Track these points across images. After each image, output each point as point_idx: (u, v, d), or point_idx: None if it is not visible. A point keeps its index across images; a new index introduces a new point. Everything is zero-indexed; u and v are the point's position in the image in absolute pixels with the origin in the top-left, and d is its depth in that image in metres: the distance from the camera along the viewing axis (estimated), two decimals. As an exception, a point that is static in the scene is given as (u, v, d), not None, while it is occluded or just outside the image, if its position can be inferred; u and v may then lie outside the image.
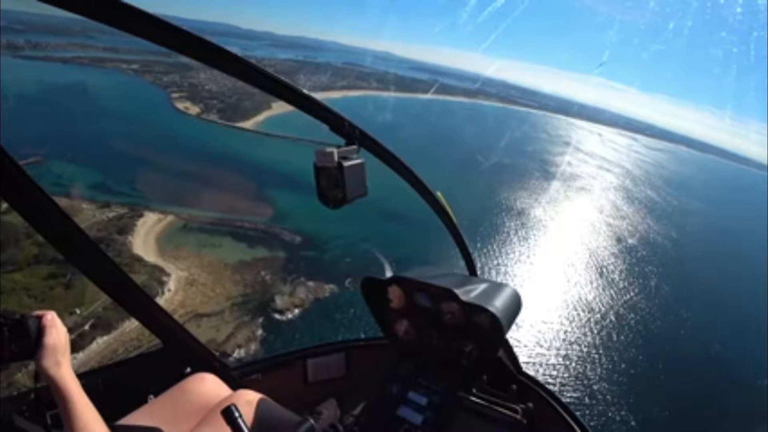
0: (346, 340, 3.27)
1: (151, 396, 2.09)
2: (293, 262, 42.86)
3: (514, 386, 2.32)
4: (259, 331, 33.75)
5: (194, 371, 2.24)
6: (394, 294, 2.67)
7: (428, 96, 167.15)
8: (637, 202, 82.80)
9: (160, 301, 35.30)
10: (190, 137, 71.88)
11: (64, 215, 1.69)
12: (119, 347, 31.16)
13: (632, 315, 42.88)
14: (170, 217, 48.09)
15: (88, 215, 46.01)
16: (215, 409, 1.89)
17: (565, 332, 38.54)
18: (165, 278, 37.63)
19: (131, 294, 2.01)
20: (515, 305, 2.39)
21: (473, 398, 2.21)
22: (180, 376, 2.18)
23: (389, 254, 44.79)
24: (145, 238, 43.88)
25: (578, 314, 41.71)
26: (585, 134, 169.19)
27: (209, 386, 2.09)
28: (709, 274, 56.24)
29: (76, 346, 30.26)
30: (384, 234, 48.10)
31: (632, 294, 47.17)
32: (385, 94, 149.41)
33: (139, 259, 39.54)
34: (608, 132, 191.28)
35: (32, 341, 1.40)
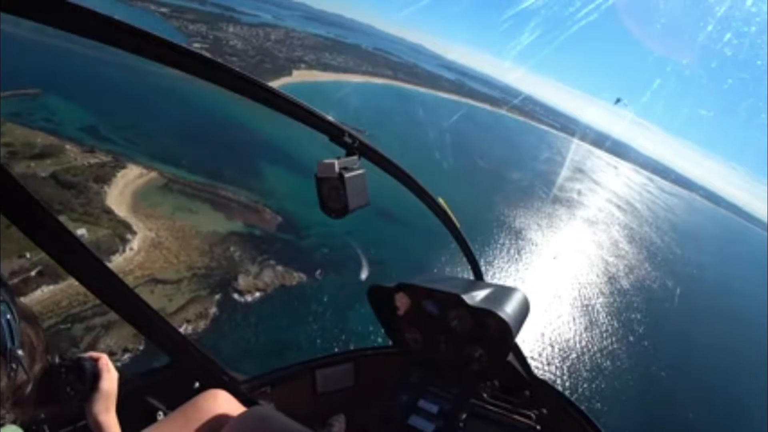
0: (355, 350, 3.19)
1: (161, 413, 2.10)
2: (267, 243, 41.00)
3: (527, 392, 2.34)
4: (213, 309, 32.00)
5: (203, 386, 2.20)
6: (401, 301, 2.56)
7: (451, 96, 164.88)
8: (638, 244, 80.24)
9: (118, 258, 33.69)
10: (195, 94, 69.70)
11: (63, 228, 1.53)
12: (64, 299, 29.54)
13: (608, 363, 40.74)
14: (153, 174, 46.33)
15: (69, 157, 44.33)
16: (228, 427, 1.88)
17: (534, 369, 36.51)
18: (129, 236, 35.88)
19: (137, 308, 1.90)
20: (524, 309, 2.30)
21: (485, 405, 2.18)
22: (189, 391, 2.13)
23: (371, 252, 42.88)
24: (121, 191, 42.15)
25: (552, 351, 39.71)
26: (601, 164, 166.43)
27: (222, 403, 2.01)
28: (697, 334, 53.82)
29: (17, 292, 28.59)
30: (371, 230, 45.86)
31: (612, 341, 44.98)
32: (408, 86, 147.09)
33: (108, 212, 37.83)
34: (625, 167, 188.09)
35: (88, 385, 1.46)
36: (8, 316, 0.98)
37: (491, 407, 2.17)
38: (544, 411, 2.15)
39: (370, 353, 3.19)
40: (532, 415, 2.09)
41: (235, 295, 33.76)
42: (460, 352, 2.41)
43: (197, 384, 2.25)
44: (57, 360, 1.38)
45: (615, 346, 44.18)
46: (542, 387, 2.66)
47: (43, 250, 1.47)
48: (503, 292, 2.36)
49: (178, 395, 2.04)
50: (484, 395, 2.26)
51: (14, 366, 0.95)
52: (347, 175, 1.57)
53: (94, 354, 1.54)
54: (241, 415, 1.97)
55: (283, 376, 2.84)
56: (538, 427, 2.05)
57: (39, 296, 29.24)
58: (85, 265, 1.63)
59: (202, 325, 30.42)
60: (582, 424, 2.49)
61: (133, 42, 1.16)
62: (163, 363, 2.23)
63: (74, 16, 1.02)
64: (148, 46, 1.18)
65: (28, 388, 1.04)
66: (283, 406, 2.25)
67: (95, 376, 1.47)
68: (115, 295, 1.82)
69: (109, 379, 1.50)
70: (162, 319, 2.04)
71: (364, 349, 3.21)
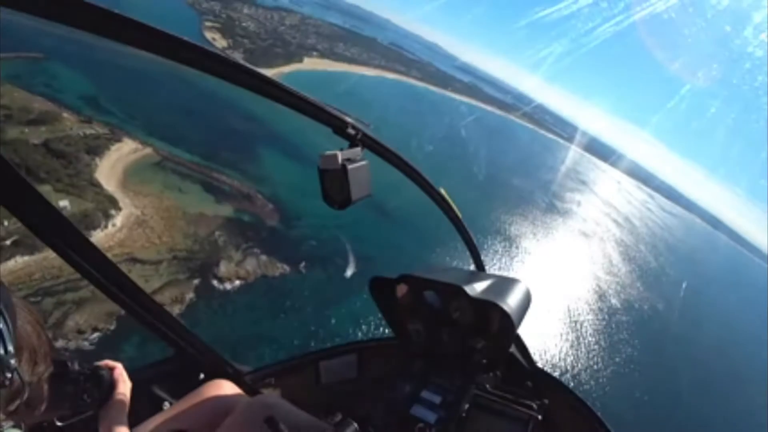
0: (358, 341, 3.19)
1: (167, 404, 2.13)
2: (254, 230, 40.17)
3: (529, 382, 2.43)
4: (190, 294, 31.31)
5: (207, 378, 2.23)
6: (403, 293, 2.60)
7: (462, 98, 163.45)
8: (632, 262, 79.39)
9: (99, 234, 33.01)
10: (201, 74, 68.34)
11: (41, 197, 1.44)
12: (37, 272, 28.92)
13: (592, 383, 40.11)
14: (148, 150, 45.52)
15: (64, 125, 43.50)
16: (234, 414, 1.88)
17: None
18: (114, 212, 35.13)
19: (140, 302, 1.89)
20: (525, 300, 2.33)
21: (487, 395, 2.20)
22: (194, 383, 2.16)
23: (360, 248, 42.14)
24: (113, 165, 41.36)
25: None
26: (604, 178, 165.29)
27: (226, 392, 2.05)
28: (685, 359, 53.03)
29: (-9, 260, 28.12)
30: (363, 226, 45.17)
31: (598, 360, 44.30)
32: (420, 84, 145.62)
33: (95, 185, 37.04)
34: (627, 182, 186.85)
35: (104, 393, 1.52)
36: (0, 325, 0.94)
37: (493, 397, 2.18)
38: (546, 401, 2.14)
39: (373, 345, 3.22)
40: (534, 405, 2.09)
41: (215, 282, 33.04)
42: (462, 343, 2.42)
43: (202, 375, 2.27)
44: (76, 367, 1.39)
45: (600, 365, 43.55)
46: (544, 377, 2.70)
47: (20, 221, 1.37)
48: (505, 283, 2.35)
49: (184, 386, 2.08)
50: (487, 386, 2.26)
51: (8, 375, 0.93)
52: (350, 166, 1.53)
53: (110, 363, 1.60)
54: (248, 403, 1.95)
55: (287, 368, 2.88)
56: (540, 417, 2.05)
57: (12, 266, 28.60)
58: (79, 248, 1.54)
59: (176, 310, 29.60)
60: (583, 414, 2.52)
61: (129, 35, 1.12)
62: (168, 355, 2.21)
63: (71, 10, 1.01)
64: (144, 38, 1.14)
65: (25, 394, 1.00)
66: (287, 397, 2.29)
67: (111, 385, 1.53)
68: (115, 282, 1.74)
69: (124, 389, 1.57)
70: (165, 311, 1.96)
71: (367, 340, 3.23)
